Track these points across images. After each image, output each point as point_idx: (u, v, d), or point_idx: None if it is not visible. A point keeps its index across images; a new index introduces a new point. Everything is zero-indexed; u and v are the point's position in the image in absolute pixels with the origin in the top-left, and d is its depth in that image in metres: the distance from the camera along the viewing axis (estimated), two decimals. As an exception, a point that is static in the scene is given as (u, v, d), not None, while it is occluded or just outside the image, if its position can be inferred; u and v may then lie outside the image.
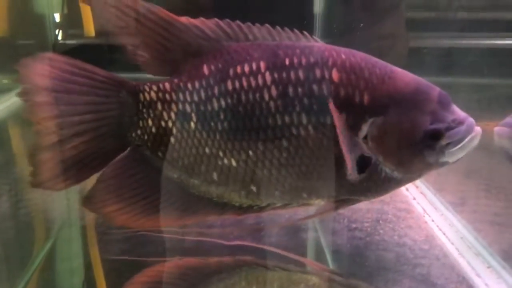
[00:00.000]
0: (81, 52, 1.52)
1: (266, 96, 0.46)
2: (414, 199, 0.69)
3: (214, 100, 0.47)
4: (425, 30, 1.29)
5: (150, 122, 0.49)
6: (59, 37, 1.54)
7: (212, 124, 0.47)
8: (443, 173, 0.77)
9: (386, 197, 0.69)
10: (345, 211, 0.63)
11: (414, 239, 0.58)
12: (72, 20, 1.54)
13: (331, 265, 0.55)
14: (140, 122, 0.49)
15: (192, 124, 0.48)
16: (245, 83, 0.47)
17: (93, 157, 0.49)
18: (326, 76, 0.46)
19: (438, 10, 1.44)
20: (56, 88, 0.48)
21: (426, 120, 0.46)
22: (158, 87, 0.49)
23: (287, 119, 0.46)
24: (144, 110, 0.49)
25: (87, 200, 0.51)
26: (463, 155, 0.47)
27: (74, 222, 0.64)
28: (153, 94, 0.49)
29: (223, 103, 0.47)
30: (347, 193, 0.49)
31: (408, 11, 1.25)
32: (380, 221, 0.62)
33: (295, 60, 0.47)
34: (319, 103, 0.46)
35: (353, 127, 0.46)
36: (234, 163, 0.48)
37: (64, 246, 0.61)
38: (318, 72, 0.46)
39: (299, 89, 0.46)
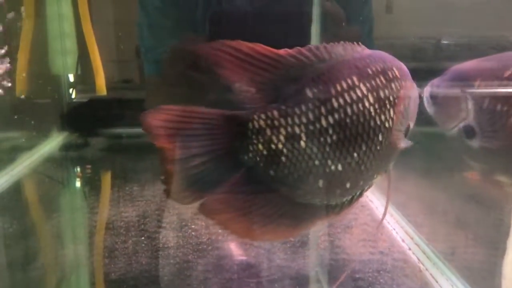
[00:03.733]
0: (92, 108, 1.62)
1: (366, 104, 0.54)
2: (410, 249, 0.77)
3: (322, 118, 0.53)
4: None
5: (260, 146, 0.54)
6: (73, 96, 1.64)
7: (322, 139, 0.54)
8: (435, 225, 0.85)
9: (385, 248, 0.77)
10: (349, 262, 0.71)
11: (410, 287, 0.66)
12: (85, 79, 1.65)
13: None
14: (251, 147, 0.54)
15: (302, 143, 0.54)
16: (347, 98, 0.54)
17: (211, 177, 0.54)
18: (394, 75, 0.56)
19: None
20: (173, 131, 0.54)
21: None
22: (266, 115, 0.54)
23: (382, 118, 0.54)
24: (254, 137, 0.54)
25: (203, 207, 0.55)
26: None
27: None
28: (262, 122, 0.54)
29: (330, 119, 0.53)
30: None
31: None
32: (380, 271, 0.70)
33: (374, 68, 0.55)
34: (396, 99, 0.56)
35: None
36: (340, 167, 0.54)
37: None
38: (390, 74, 0.55)
39: (386, 91, 0.55)
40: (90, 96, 1.61)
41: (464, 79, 0.68)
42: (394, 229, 0.84)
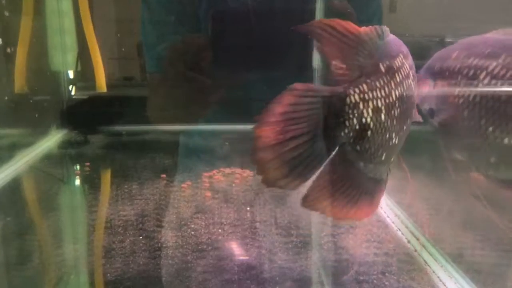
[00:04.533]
0: (92, 105, 1.60)
1: (410, 79, 0.58)
2: (415, 251, 0.74)
3: (392, 92, 0.56)
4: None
5: (355, 121, 0.55)
6: (72, 92, 1.62)
7: (392, 112, 0.56)
8: (441, 226, 0.83)
9: (390, 249, 0.75)
10: (352, 264, 0.69)
11: (417, 290, 0.64)
12: (84, 76, 1.64)
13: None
14: (347, 123, 0.55)
15: (383, 116, 0.56)
16: (402, 73, 0.57)
17: (311, 158, 0.55)
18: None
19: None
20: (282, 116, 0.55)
21: None
22: (359, 89, 0.55)
23: (414, 92, 0.59)
24: (350, 111, 0.55)
25: (304, 199, 0.56)
26: None
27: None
28: (356, 96, 0.55)
29: (397, 92, 0.57)
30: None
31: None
32: (386, 273, 0.67)
33: (405, 48, 0.60)
34: None
35: None
36: (397, 140, 0.58)
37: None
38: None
39: (413, 68, 0.60)
40: (90, 93, 1.60)
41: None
42: (399, 229, 0.82)
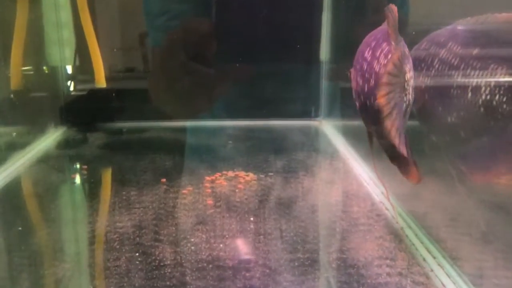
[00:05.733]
0: (91, 101, 1.55)
1: None
2: (432, 270, 0.69)
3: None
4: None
5: None
6: (71, 88, 1.57)
7: None
8: (459, 240, 0.77)
9: (404, 269, 0.69)
10: (365, 286, 0.64)
11: (434, 318, 0.58)
12: (83, 70, 1.58)
13: None
14: None
15: None
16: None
17: None
18: None
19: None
20: None
21: None
22: None
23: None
24: None
25: None
26: None
27: None
28: None
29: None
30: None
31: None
32: (400, 299, 0.62)
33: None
34: None
35: None
36: None
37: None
38: None
39: None
40: (89, 88, 1.54)
41: None
42: (414, 244, 0.76)
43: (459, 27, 0.69)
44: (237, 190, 1.00)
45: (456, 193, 0.78)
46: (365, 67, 0.80)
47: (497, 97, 0.60)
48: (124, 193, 0.98)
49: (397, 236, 0.79)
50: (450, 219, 0.83)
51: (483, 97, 0.61)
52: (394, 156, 0.67)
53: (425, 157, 0.76)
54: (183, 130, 1.55)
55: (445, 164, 0.74)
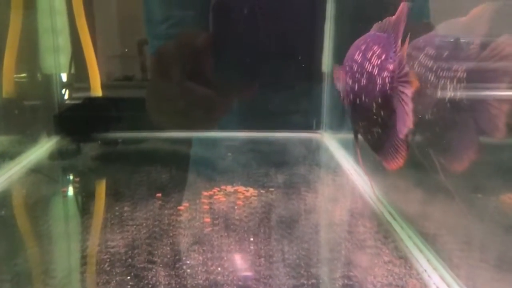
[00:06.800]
0: (86, 110, 1.50)
1: None
2: (447, 300, 0.64)
3: None
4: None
5: None
6: (66, 96, 1.52)
7: None
8: (475, 266, 0.72)
9: (416, 298, 0.64)
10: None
11: None
12: (79, 78, 1.53)
13: None
14: None
15: None
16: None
17: None
18: None
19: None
20: None
21: None
22: None
23: None
24: None
25: None
26: None
27: None
28: None
29: None
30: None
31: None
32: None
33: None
34: None
35: None
36: None
37: None
38: None
39: None
40: (84, 97, 1.50)
41: None
42: (426, 270, 0.71)
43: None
44: (236, 207, 0.95)
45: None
46: (355, 68, 0.82)
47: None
48: (117, 208, 0.93)
49: (407, 261, 0.74)
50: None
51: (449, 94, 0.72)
52: (378, 147, 0.78)
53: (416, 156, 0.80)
54: (181, 141, 1.50)
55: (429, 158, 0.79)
